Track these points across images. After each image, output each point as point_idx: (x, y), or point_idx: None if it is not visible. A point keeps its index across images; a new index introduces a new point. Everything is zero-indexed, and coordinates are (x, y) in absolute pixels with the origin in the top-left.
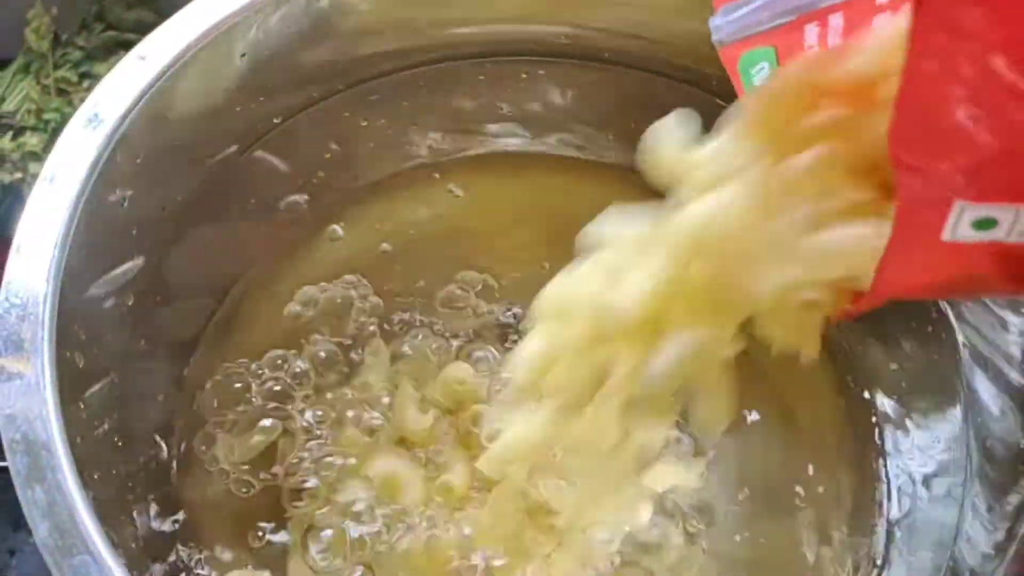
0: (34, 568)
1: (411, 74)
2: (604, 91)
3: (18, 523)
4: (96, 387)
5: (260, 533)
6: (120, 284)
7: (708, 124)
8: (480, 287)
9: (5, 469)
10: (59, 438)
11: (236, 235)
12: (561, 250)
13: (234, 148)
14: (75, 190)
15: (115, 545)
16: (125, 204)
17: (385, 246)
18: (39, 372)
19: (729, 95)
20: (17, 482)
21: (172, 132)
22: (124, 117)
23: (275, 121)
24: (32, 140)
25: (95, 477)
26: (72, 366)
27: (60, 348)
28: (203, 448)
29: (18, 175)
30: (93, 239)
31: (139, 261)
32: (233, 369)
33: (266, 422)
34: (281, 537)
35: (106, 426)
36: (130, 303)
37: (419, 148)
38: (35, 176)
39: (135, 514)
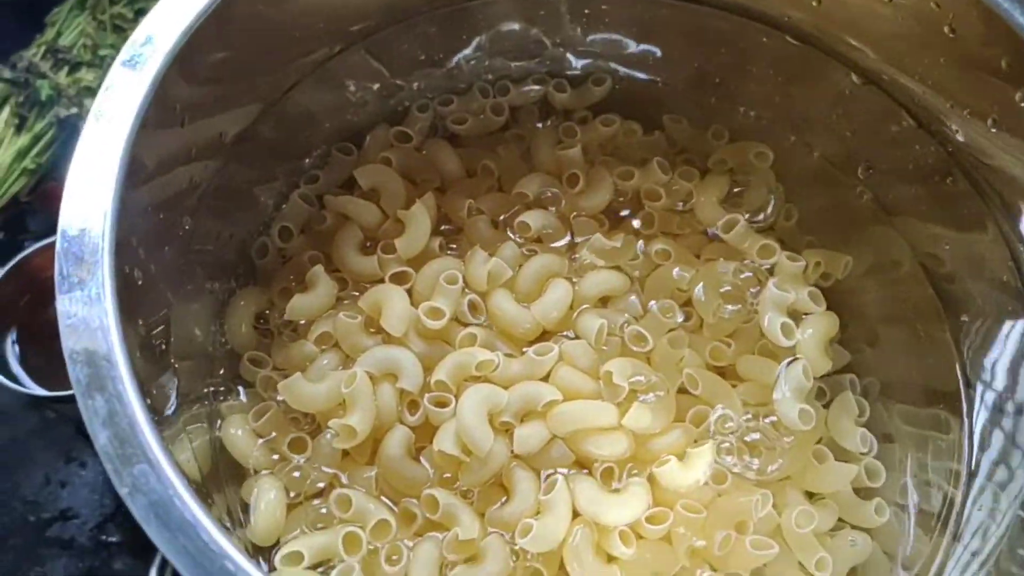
0: (84, 499)
1: None
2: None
3: (69, 456)
4: (153, 305)
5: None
6: (178, 205)
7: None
8: None
9: (57, 400)
10: (119, 349)
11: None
12: None
13: (294, 75)
14: (136, 108)
15: (172, 456)
16: (185, 124)
17: None
18: (99, 284)
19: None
20: (78, 391)
21: (233, 54)
22: (183, 37)
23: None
24: (88, 76)
25: (153, 393)
26: (131, 282)
27: (119, 262)
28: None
29: (74, 110)
30: (154, 158)
31: (197, 183)
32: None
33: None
34: None
35: (163, 345)
36: (187, 226)
37: None
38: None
39: (190, 431)
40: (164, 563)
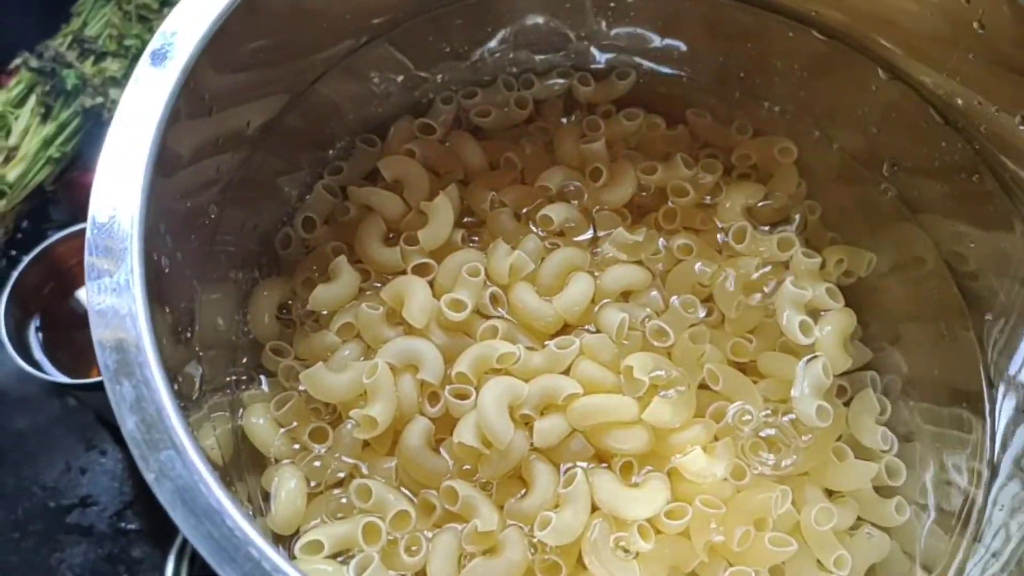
0: (104, 487)
1: None
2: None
3: (89, 443)
4: (180, 293)
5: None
6: (205, 193)
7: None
8: None
9: (78, 387)
10: (147, 336)
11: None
12: None
13: (319, 67)
14: (167, 95)
15: (198, 443)
16: (213, 113)
17: None
18: (128, 271)
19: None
20: (106, 377)
21: (261, 44)
22: (214, 26)
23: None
24: (113, 66)
25: (179, 380)
26: (159, 270)
27: (148, 250)
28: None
29: (99, 100)
30: (183, 146)
31: (224, 172)
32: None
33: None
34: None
35: (188, 334)
36: (213, 215)
37: None
38: (115, 102)
39: (213, 419)
40: (181, 551)
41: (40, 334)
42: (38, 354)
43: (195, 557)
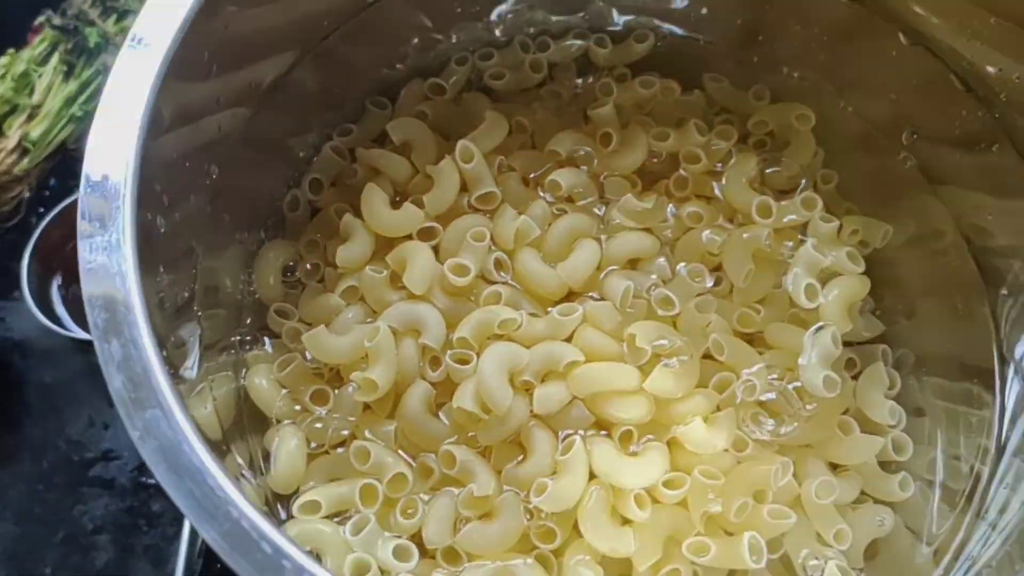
0: (126, 442)
1: None
2: None
3: (112, 399)
4: (178, 255)
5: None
6: (205, 153)
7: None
8: None
9: None
10: (137, 295)
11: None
12: None
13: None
14: (163, 52)
15: (184, 403)
16: (214, 70)
17: None
18: (120, 230)
19: None
20: (95, 335)
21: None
22: None
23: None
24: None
25: (170, 341)
26: (153, 229)
27: (142, 209)
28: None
29: None
30: (179, 104)
31: (227, 132)
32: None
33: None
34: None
35: (185, 294)
36: (214, 175)
37: None
38: None
39: (214, 380)
40: None
41: (62, 290)
42: (60, 310)
43: None
